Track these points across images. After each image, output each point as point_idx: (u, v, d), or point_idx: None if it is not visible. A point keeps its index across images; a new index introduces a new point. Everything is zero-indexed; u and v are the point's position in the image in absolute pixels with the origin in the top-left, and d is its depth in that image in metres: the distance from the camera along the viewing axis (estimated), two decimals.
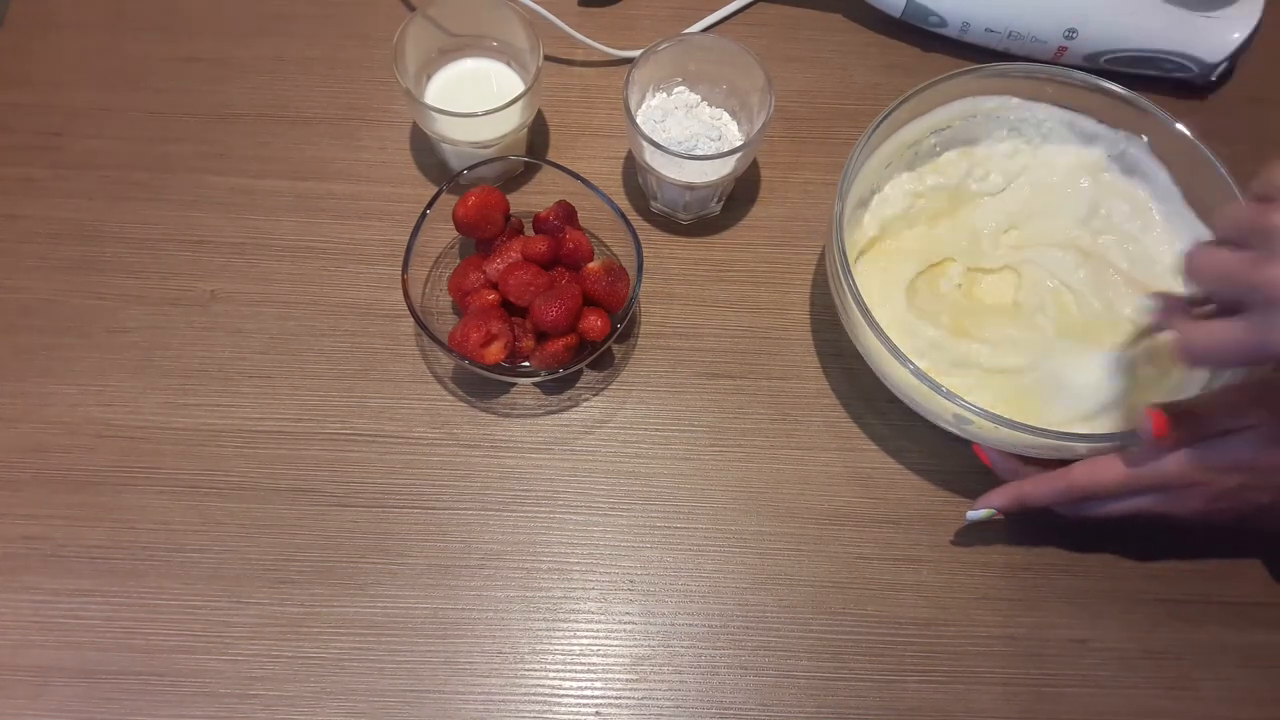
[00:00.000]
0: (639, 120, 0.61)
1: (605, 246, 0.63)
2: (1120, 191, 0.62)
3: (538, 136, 0.69)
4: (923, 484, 0.59)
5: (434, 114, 0.60)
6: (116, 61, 0.70)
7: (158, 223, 0.64)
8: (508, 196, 0.61)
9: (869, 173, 0.60)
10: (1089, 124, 0.62)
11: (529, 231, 0.62)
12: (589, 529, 0.57)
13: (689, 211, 0.65)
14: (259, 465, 0.58)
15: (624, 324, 0.59)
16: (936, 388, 0.52)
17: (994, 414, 0.51)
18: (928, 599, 0.56)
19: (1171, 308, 0.49)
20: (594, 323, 0.57)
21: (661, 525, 0.58)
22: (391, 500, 0.58)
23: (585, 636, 0.55)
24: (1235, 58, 0.68)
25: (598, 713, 0.54)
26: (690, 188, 0.61)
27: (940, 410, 0.54)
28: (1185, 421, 0.48)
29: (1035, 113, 0.62)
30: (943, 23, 0.70)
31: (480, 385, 0.61)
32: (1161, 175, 0.61)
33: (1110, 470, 0.51)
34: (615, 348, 0.62)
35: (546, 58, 0.69)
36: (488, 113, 0.59)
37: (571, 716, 0.54)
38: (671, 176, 0.61)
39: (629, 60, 0.70)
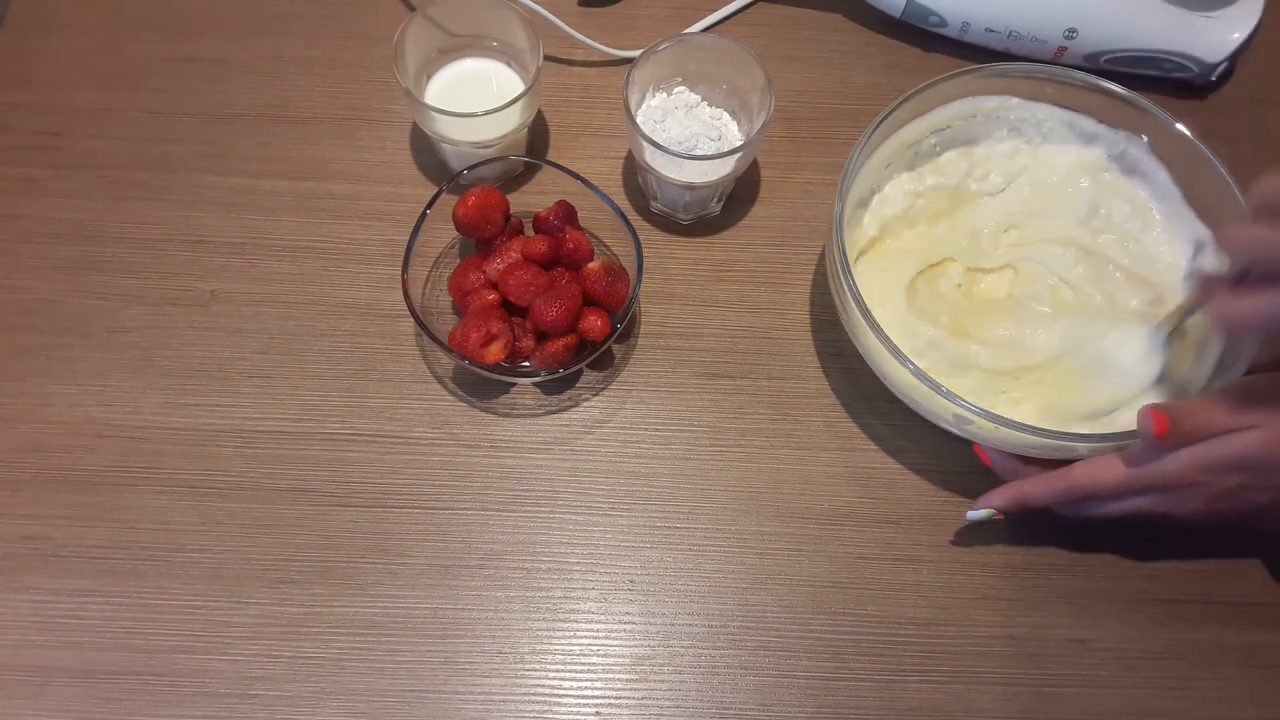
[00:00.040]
0: (639, 120, 0.61)
1: (605, 246, 0.63)
2: (1120, 191, 0.62)
3: (538, 136, 0.69)
4: (923, 484, 0.59)
5: (434, 114, 0.60)
6: (116, 61, 0.70)
7: (158, 223, 0.64)
8: (508, 196, 0.61)
9: (869, 173, 0.60)
10: (1089, 124, 0.62)
11: (529, 231, 0.62)
12: (589, 529, 0.58)
13: (689, 211, 0.65)
14: (259, 465, 0.58)
15: (624, 324, 0.59)
16: (936, 388, 0.52)
17: (994, 414, 0.51)
18: (928, 599, 0.56)
19: (1210, 282, 0.50)
20: (594, 323, 0.57)
21: (661, 525, 0.58)
22: (391, 500, 0.58)
23: (585, 636, 0.55)
24: (1235, 58, 0.68)
25: (598, 713, 0.54)
26: (690, 188, 0.61)
27: (940, 410, 0.54)
28: (1185, 421, 0.48)
29: (1035, 113, 0.62)
30: (943, 23, 0.70)
31: (480, 385, 0.61)
32: (1161, 175, 0.61)
33: (1110, 470, 0.51)
34: (615, 348, 0.62)
35: (546, 58, 0.69)
36: (488, 113, 0.59)
37: (571, 716, 0.54)
38: (671, 176, 0.61)
39: (629, 60, 0.70)
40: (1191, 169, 0.59)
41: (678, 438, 0.60)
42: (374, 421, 0.59)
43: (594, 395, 0.61)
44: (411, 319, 0.58)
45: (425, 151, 0.67)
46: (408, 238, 0.58)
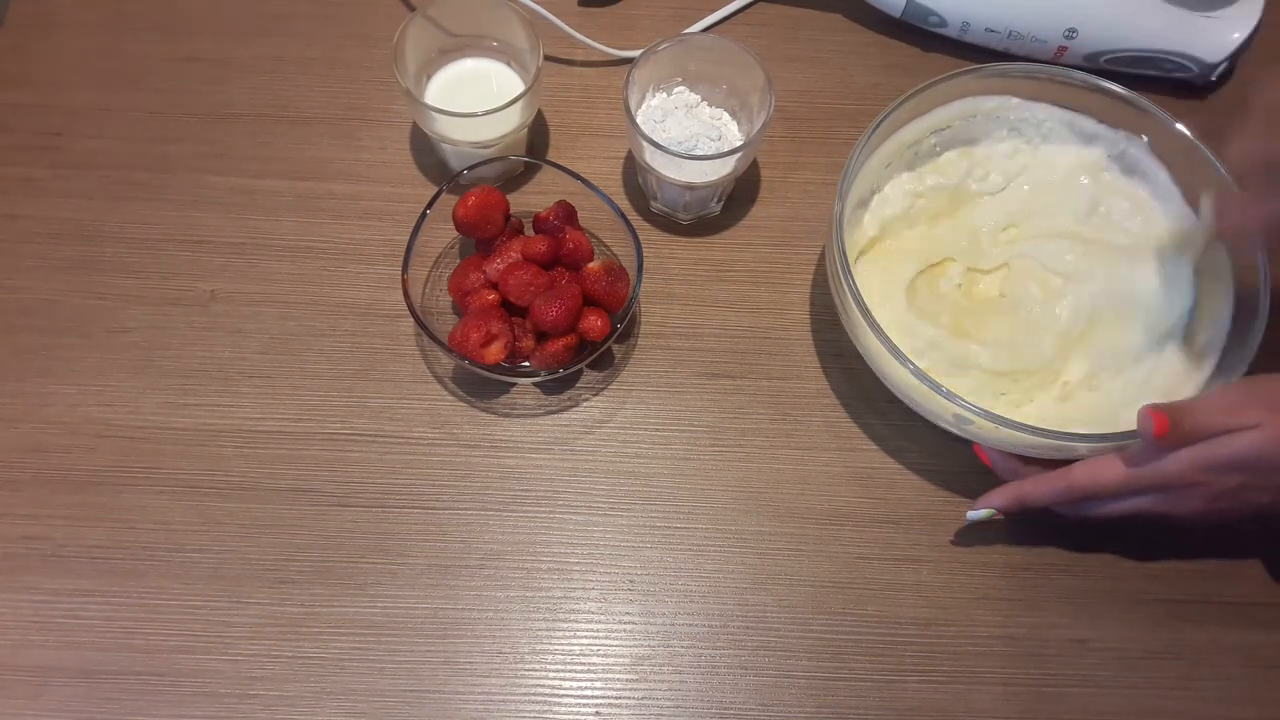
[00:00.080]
0: (639, 120, 0.61)
1: (605, 246, 0.63)
2: (1120, 191, 0.62)
3: (538, 136, 0.69)
4: (923, 484, 0.59)
5: (434, 114, 0.60)
6: (116, 61, 0.70)
7: (158, 223, 0.64)
8: (508, 196, 0.61)
9: (869, 173, 0.60)
10: (1089, 124, 0.62)
11: (529, 231, 0.62)
12: (589, 529, 0.58)
13: (689, 211, 0.65)
14: (259, 465, 0.58)
15: (624, 324, 0.59)
16: (936, 388, 0.52)
17: (994, 414, 0.51)
18: (928, 599, 0.56)
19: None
20: (594, 323, 0.57)
21: (661, 525, 0.58)
22: (391, 500, 0.58)
23: (585, 636, 0.55)
24: (1235, 58, 0.68)
25: (598, 713, 0.54)
26: (690, 188, 0.61)
27: (940, 410, 0.54)
28: (1185, 421, 0.48)
29: (1035, 113, 0.62)
30: (943, 23, 0.70)
31: (480, 385, 0.61)
32: (1161, 175, 0.61)
33: (1110, 470, 0.51)
34: (615, 348, 0.62)
35: (546, 58, 0.69)
36: (488, 113, 0.59)
37: (571, 716, 0.54)
38: (671, 176, 0.61)
39: (629, 60, 0.70)
40: (1191, 169, 0.59)
41: (678, 438, 0.60)
42: (374, 421, 0.59)
43: (594, 395, 0.61)
44: (411, 319, 0.58)
45: (425, 151, 0.67)
46: (408, 238, 0.58)
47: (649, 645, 0.55)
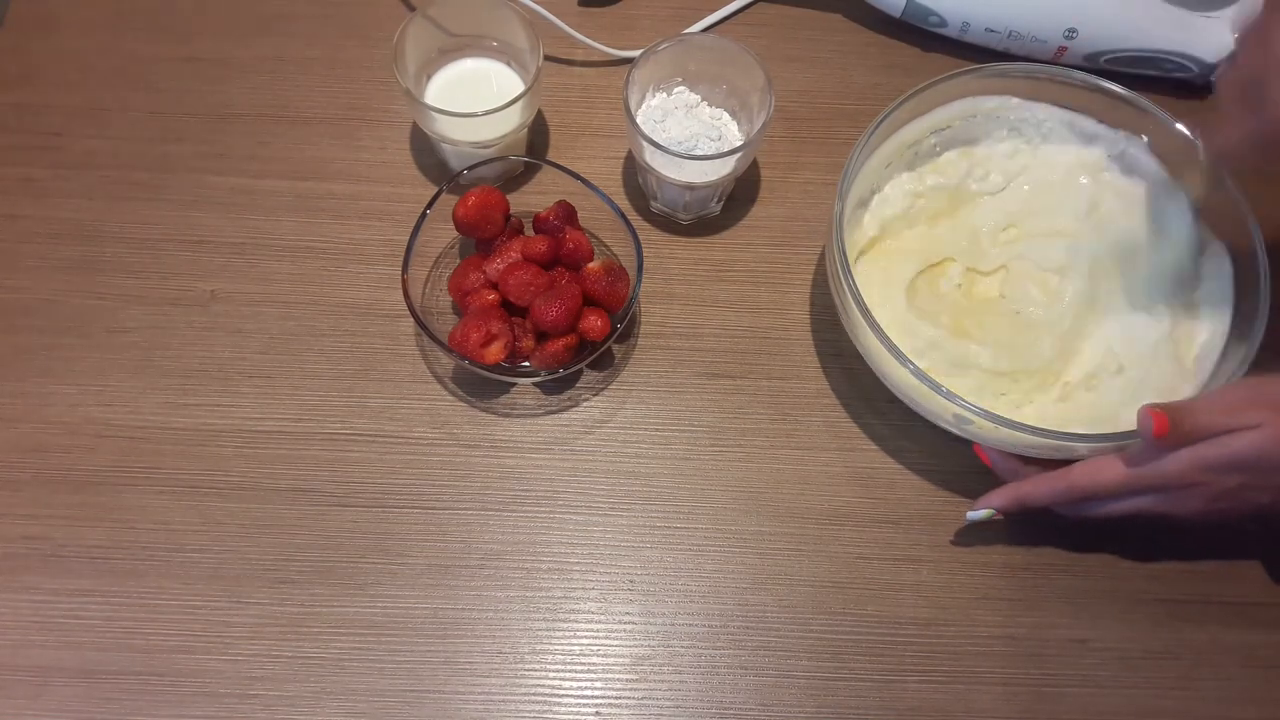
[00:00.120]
0: (639, 120, 0.61)
1: (605, 246, 0.63)
2: (1120, 191, 0.62)
3: (538, 136, 0.69)
4: (923, 484, 0.59)
5: (434, 114, 0.60)
6: (116, 61, 0.70)
7: (158, 223, 0.64)
8: (508, 196, 0.61)
9: (869, 173, 0.60)
10: (1089, 124, 0.62)
11: (529, 231, 0.62)
12: (589, 529, 0.58)
13: (689, 211, 0.65)
14: (259, 465, 0.58)
15: (624, 324, 0.59)
16: (936, 388, 0.52)
17: (994, 414, 0.51)
18: (928, 599, 0.56)
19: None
20: (594, 323, 0.57)
21: (661, 525, 0.58)
22: (391, 500, 0.58)
23: (585, 636, 0.55)
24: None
25: (598, 713, 0.54)
26: (690, 188, 0.61)
27: (940, 410, 0.54)
28: (1185, 421, 0.48)
29: (1035, 113, 0.62)
30: (943, 23, 0.70)
31: (480, 385, 0.61)
32: (1162, 175, 0.61)
33: (1110, 470, 0.51)
34: (615, 348, 0.62)
35: (546, 58, 0.69)
36: (488, 113, 0.59)
37: (571, 716, 0.54)
38: (671, 176, 0.61)
39: (629, 60, 0.70)
40: (1191, 169, 0.59)
41: (678, 438, 0.60)
42: (374, 421, 0.59)
43: (594, 395, 0.61)
44: (411, 319, 0.58)
45: (425, 151, 0.67)
46: (408, 238, 0.58)
47: (649, 645, 0.55)
